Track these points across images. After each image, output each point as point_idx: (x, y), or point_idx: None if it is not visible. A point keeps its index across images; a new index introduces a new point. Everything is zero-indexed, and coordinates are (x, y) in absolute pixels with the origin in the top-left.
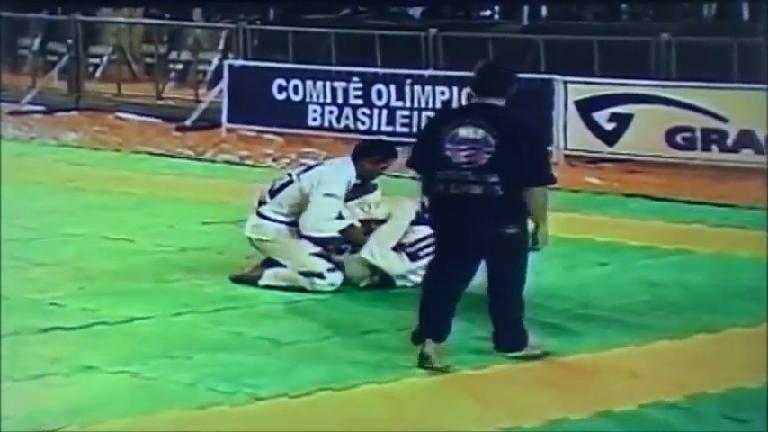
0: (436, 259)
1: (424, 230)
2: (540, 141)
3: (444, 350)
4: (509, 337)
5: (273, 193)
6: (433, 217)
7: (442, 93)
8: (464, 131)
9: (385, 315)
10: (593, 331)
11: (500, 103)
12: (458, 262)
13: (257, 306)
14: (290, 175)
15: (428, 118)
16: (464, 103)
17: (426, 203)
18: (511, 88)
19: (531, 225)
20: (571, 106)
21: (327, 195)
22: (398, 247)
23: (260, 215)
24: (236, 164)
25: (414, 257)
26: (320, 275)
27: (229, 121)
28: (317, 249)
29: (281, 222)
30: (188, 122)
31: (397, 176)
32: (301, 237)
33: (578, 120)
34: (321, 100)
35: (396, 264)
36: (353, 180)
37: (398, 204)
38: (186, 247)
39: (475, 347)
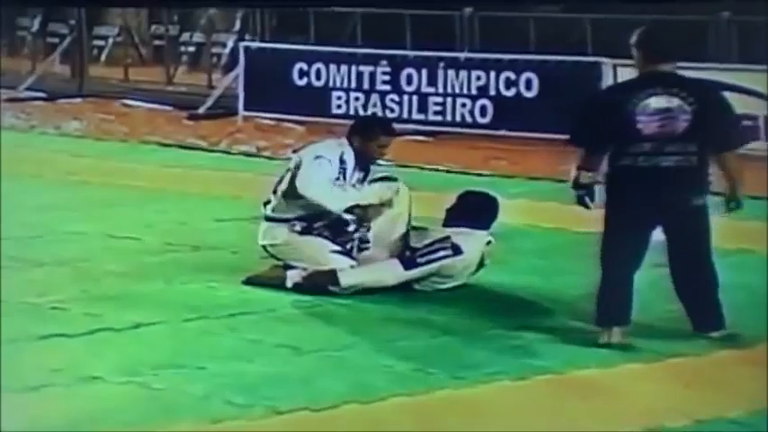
0: (614, 238)
1: (437, 234)
2: (729, 103)
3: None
4: (710, 316)
5: (275, 189)
6: (612, 194)
7: (478, 77)
8: (655, 102)
9: (415, 320)
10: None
11: (673, 69)
12: (638, 237)
13: (276, 310)
14: (288, 169)
15: (606, 90)
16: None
17: (585, 181)
18: (679, 52)
19: (725, 189)
20: None
21: (317, 157)
22: (405, 250)
23: (267, 218)
24: (253, 155)
25: (411, 264)
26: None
27: (246, 108)
28: (337, 247)
29: (289, 220)
30: (201, 110)
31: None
32: (317, 234)
33: None
34: (345, 85)
35: (385, 274)
36: (350, 158)
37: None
38: (198, 246)
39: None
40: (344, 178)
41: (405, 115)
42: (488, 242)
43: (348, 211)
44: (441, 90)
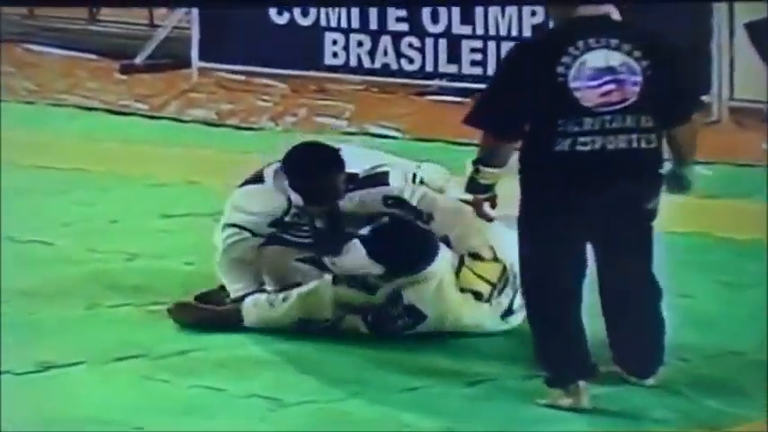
0: (545, 259)
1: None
2: (687, 59)
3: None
4: (647, 359)
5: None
6: (539, 195)
7: (533, 13)
8: (593, 59)
9: (436, 361)
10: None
11: (612, 13)
12: (579, 253)
13: (244, 346)
14: None
15: (518, 48)
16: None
17: (486, 181)
18: None
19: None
20: (740, 33)
21: (227, 227)
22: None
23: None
24: (215, 124)
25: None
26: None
27: (202, 57)
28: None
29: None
30: (138, 60)
31: None
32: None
33: (752, 54)
34: (344, 25)
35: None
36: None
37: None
38: (136, 254)
39: None
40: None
41: (429, 67)
42: (461, 263)
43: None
44: (480, 31)
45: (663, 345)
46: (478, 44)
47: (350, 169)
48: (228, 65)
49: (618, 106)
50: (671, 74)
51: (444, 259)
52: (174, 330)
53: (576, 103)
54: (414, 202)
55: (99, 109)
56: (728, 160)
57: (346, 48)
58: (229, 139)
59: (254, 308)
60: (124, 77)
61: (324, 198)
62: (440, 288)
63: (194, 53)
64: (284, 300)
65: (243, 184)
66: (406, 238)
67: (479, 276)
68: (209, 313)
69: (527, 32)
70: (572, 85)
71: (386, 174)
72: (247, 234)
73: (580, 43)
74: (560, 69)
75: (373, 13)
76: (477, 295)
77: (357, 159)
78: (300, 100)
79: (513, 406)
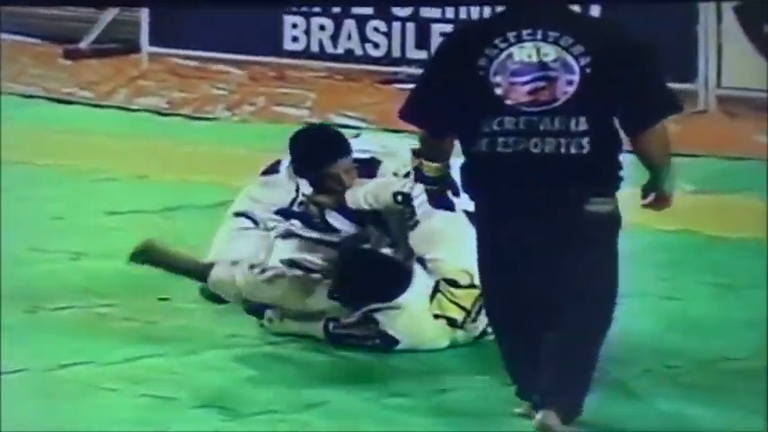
0: (489, 269)
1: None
2: (649, 52)
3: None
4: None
5: None
6: (471, 198)
7: None
8: (521, 52)
9: (402, 370)
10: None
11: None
12: (513, 266)
13: (197, 352)
14: None
15: (448, 38)
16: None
17: (431, 174)
18: None
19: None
20: (729, 17)
21: (236, 216)
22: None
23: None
24: (166, 114)
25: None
26: None
27: (153, 42)
28: None
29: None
30: (83, 44)
31: None
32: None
33: (742, 39)
34: (305, 8)
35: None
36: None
37: None
38: (81, 253)
39: None
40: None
41: (396, 53)
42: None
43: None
44: (450, 15)
45: (586, 388)
46: (449, 28)
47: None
48: (181, 50)
49: (546, 107)
50: (622, 76)
51: (418, 287)
52: (123, 335)
53: (497, 100)
54: (416, 204)
55: (41, 97)
56: (718, 153)
57: (307, 32)
58: (182, 129)
59: (236, 267)
60: (68, 63)
61: (330, 185)
62: (412, 316)
63: (144, 37)
64: (277, 276)
65: (261, 174)
66: (376, 272)
67: (454, 303)
68: (177, 257)
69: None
70: (493, 79)
71: (379, 163)
72: (249, 223)
73: (511, 35)
74: (482, 62)
75: None
76: (451, 321)
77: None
78: (259, 88)
79: (485, 416)
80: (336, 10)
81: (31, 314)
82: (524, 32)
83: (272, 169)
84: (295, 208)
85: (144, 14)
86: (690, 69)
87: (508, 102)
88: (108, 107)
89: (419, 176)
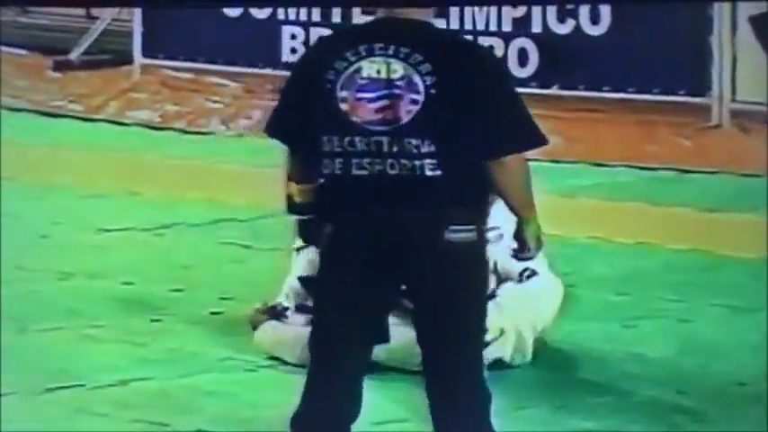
0: (323, 306)
1: None
2: (508, 78)
3: None
4: None
5: None
6: (314, 223)
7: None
8: (371, 67)
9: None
10: None
11: (426, 17)
12: (364, 303)
13: (189, 376)
14: None
15: (306, 47)
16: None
17: (301, 199)
18: None
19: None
20: (744, 27)
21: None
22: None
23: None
24: (158, 128)
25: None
26: None
27: (146, 53)
28: None
29: None
30: (73, 55)
31: None
32: None
33: (758, 51)
34: (304, 18)
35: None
36: None
37: None
38: (69, 273)
39: None
40: None
41: None
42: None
43: None
44: (455, 26)
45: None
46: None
47: None
48: (174, 61)
49: (390, 126)
50: (470, 98)
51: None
52: (113, 357)
53: (343, 116)
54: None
55: (28, 110)
56: (731, 169)
57: (306, 43)
58: (175, 144)
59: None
60: (57, 75)
61: None
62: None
63: (136, 48)
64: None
65: None
66: None
67: None
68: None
69: (507, 27)
70: (339, 94)
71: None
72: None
73: (362, 48)
74: (330, 75)
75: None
76: None
77: None
78: (255, 101)
79: None
80: (337, 20)
81: (19, 335)
82: (376, 46)
83: None
84: None
85: (136, 25)
86: (703, 82)
87: (354, 119)
88: (98, 121)
89: (289, 206)
